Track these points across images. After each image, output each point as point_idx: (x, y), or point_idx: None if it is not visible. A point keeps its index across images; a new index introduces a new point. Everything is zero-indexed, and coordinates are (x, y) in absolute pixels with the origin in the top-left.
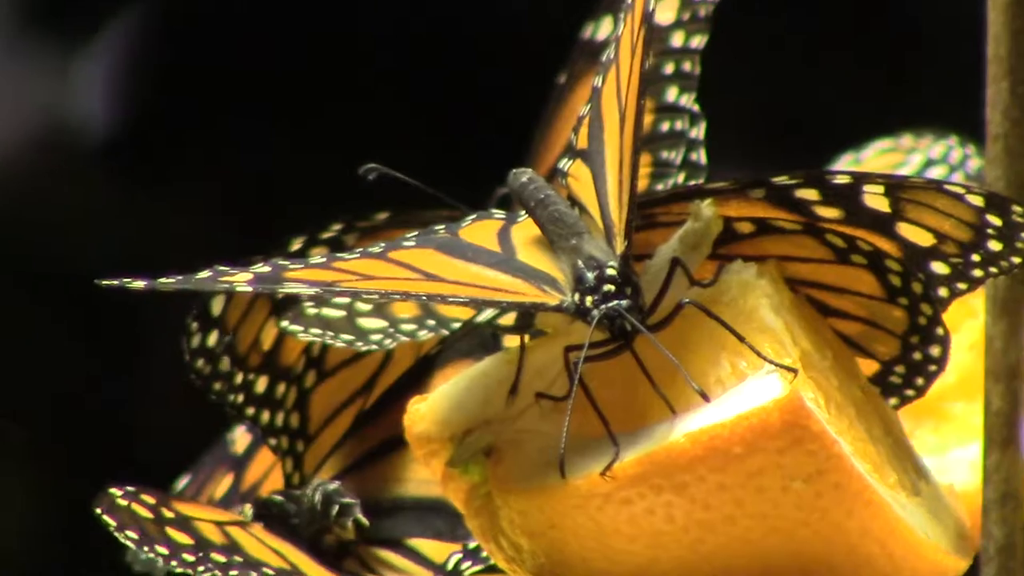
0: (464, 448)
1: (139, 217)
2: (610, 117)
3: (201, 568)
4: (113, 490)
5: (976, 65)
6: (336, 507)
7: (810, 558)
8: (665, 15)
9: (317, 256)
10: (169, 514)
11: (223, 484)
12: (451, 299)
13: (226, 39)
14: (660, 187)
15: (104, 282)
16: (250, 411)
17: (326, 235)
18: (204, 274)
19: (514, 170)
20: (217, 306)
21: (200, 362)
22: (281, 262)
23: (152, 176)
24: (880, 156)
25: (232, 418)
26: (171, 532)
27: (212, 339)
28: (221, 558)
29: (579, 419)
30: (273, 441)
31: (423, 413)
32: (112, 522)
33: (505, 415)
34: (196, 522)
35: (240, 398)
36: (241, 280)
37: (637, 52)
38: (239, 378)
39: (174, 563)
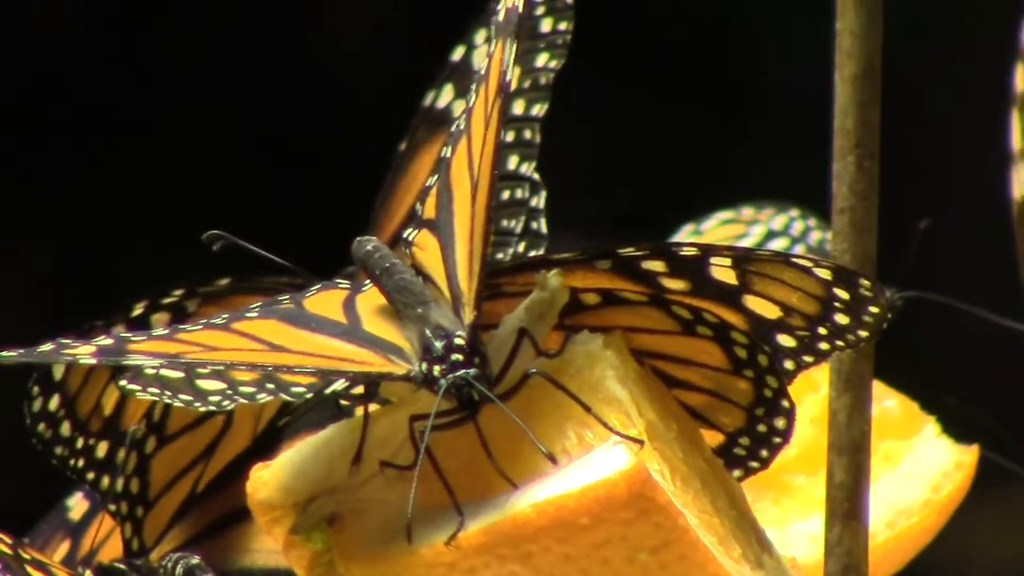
0: (307, 516)
1: None
2: (460, 187)
3: None
4: None
5: (820, 137)
6: None
7: None
8: None
9: (160, 327)
10: (26, 555)
11: (60, 551)
12: (297, 370)
13: (58, 103)
14: (500, 256)
15: None
16: (91, 476)
17: (167, 300)
18: (47, 347)
19: (359, 238)
20: (59, 371)
21: (41, 426)
22: (124, 334)
23: None
24: (721, 227)
25: (73, 482)
26: (31, 571)
27: (53, 403)
28: None
29: (425, 488)
30: (113, 507)
31: (266, 480)
32: None
33: (349, 483)
34: (52, 568)
35: (81, 463)
36: (85, 353)
37: (492, 123)
38: (80, 443)
39: None
